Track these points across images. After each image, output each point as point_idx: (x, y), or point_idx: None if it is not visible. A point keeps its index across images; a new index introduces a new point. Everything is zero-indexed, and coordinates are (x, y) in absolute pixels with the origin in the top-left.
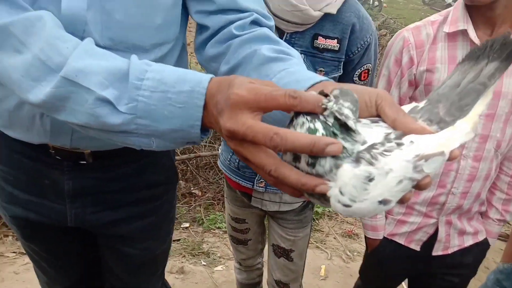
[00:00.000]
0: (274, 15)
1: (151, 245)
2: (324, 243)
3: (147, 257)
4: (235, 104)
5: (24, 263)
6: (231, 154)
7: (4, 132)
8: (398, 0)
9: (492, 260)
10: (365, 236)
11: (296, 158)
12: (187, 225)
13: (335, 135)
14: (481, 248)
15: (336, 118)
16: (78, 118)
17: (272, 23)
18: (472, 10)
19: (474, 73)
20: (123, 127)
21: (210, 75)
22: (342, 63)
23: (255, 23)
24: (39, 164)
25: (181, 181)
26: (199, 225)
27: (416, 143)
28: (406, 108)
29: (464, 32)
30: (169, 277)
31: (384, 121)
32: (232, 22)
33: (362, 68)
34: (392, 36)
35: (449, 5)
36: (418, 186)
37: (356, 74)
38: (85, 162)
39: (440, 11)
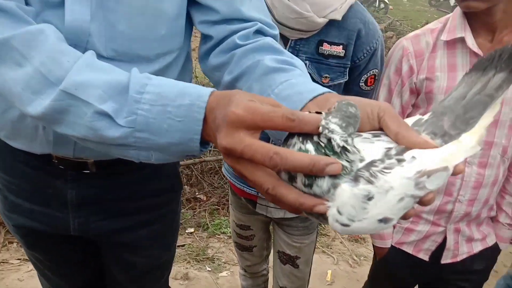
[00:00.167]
0: (279, 22)
1: (155, 253)
2: (331, 248)
3: (151, 265)
4: (232, 123)
5: (29, 270)
6: None
7: (8, 143)
8: (404, 2)
9: (502, 264)
10: (373, 244)
11: (292, 178)
12: (191, 230)
13: (326, 156)
14: (492, 253)
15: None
16: (77, 131)
17: (276, 32)
18: (471, 17)
19: (481, 84)
20: (122, 140)
21: (211, 89)
22: (347, 69)
23: (259, 32)
24: (42, 173)
25: (186, 186)
26: (204, 230)
27: (418, 159)
28: (410, 120)
29: (463, 40)
30: (173, 284)
31: (386, 135)
32: (236, 32)
33: (368, 73)
34: (398, 38)
35: (456, 6)
36: (421, 202)
37: (363, 80)
38: (88, 171)
39: (447, 12)
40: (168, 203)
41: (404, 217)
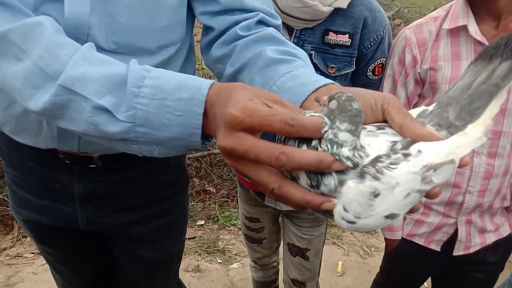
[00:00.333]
0: (283, 12)
1: (164, 246)
2: (341, 239)
3: (161, 258)
4: (229, 124)
5: (43, 264)
6: None
7: (13, 138)
8: None
9: None
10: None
11: (294, 177)
12: (202, 222)
13: None
14: (506, 244)
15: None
16: (78, 126)
17: (279, 22)
18: (475, 3)
19: (487, 74)
20: (123, 135)
21: (211, 81)
22: (354, 58)
23: (261, 23)
24: (49, 168)
25: (195, 179)
26: (214, 222)
27: (424, 152)
28: (415, 112)
29: (466, 28)
30: (185, 276)
31: (390, 127)
32: (237, 23)
33: (376, 62)
34: (406, 25)
35: None
36: (428, 196)
37: (370, 69)
38: (94, 165)
39: None
40: (175, 196)
41: (411, 211)
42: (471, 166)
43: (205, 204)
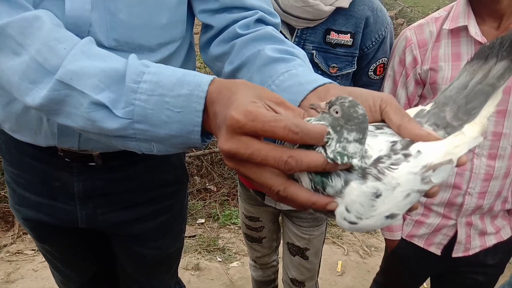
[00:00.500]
0: (284, 11)
1: (163, 244)
2: (341, 238)
3: (160, 256)
4: (231, 128)
5: (43, 261)
6: None
7: (13, 136)
8: None
9: None
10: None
11: (294, 178)
12: (202, 220)
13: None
14: (507, 247)
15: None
16: (75, 122)
17: (278, 20)
18: (477, 4)
19: (483, 74)
20: (121, 132)
21: (211, 77)
22: (356, 58)
23: (260, 21)
24: (49, 166)
25: (196, 177)
26: (215, 220)
27: (424, 153)
28: (412, 112)
29: (466, 28)
30: (184, 274)
31: (389, 127)
32: (236, 21)
33: (377, 62)
34: (409, 25)
35: None
36: (426, 195)
37: (372, 69)
38: (94, 163)
39: None
40: (174, 194)
41: (410, 210)
42: (471, 167)
43: (205, 202)
